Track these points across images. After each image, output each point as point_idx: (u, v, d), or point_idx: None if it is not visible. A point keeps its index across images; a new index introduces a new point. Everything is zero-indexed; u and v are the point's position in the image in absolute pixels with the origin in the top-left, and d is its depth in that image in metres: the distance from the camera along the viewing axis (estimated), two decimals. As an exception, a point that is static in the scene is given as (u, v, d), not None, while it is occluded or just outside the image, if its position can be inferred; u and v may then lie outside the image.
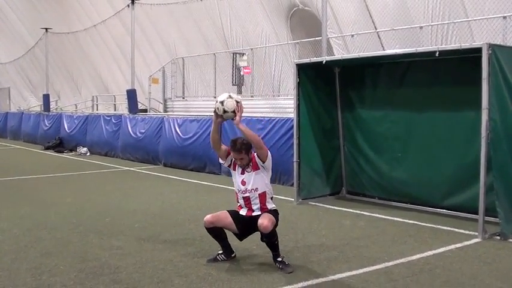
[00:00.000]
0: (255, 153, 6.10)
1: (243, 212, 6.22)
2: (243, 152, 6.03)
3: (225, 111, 5.99)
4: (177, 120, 15.53)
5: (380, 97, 9.50)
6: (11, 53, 35.84)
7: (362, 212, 9.02)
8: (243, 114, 6.16)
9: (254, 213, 6.13)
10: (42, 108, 26.38)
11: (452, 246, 6.85)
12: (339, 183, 10.42)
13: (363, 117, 9.80)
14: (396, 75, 9.18)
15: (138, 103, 21.28)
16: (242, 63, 18.16)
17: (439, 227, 7.94)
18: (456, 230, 7.73)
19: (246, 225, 6.16)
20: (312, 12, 17.70)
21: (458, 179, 8.41)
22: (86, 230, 8.00)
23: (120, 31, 25.51)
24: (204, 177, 13.38)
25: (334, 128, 10.24)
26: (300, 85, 9.73)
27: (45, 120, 23.70)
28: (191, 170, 14.64)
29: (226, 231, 6.34)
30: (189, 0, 20.00)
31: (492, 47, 7.01)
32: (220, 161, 6.40)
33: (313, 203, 9.84)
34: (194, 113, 17.10)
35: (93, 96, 27.60)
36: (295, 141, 9.82)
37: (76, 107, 29.03)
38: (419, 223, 8.19)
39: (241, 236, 6.32)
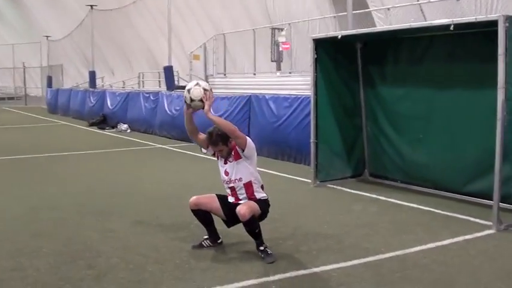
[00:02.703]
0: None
1: (230, 199, 5.90)
2: (220, 143, 5.70)
3: (192, 100, 5.65)
4: (209, 98, 15.21)
5: (401, 74, 8.87)
6: (65, 29, 36.22)
7: (378, 197, 8.47)
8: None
9: (241, 202, 5.77)
10: (88, 85, 26.64)
11: (461, 238, 6.25)
12: (361, 165, 9.87)
13: (384, 96, 9.20)
14: (417, 51, 8.50)
15: (181, 79, 21.14)
16: (281, 39, 17.68)
17: (454, 215, 7.30)
18: (472, 219, 7.07)
19: (234, 213, 5.77)
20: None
21: (481, 163, 7.67)
22: (87, 210, 7.83)
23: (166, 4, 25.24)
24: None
25: (356, 106, 9.67)
26: (318, 61, 9.22)
27: (91, 97, 23.88)
28: (221, 148, 14.31)
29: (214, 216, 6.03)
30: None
31: (510, 19, 6.32)
32: (203, 150, 6.06)
33: (331, 186, 9.35)
34: (234, 90, 16.76)
35: (139, 73, 27.62)
36: (312, 120, 9.33)
37: (124, 84, 29.15)
38: (435, 210, 7.56)
39: (229, 222, 5.98)
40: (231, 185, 5.82)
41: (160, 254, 5.88)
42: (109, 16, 29.05)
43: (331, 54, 9.36)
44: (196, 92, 5.62)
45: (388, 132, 9.23)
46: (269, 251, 5.64)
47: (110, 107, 21.62)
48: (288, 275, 5.19)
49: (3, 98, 45.53)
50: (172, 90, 18.24)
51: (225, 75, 20.70)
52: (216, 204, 5.93)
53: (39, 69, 42.81)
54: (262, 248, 5.66)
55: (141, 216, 7.55)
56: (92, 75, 26.16)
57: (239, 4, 22.10)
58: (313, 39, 9.21)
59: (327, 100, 9.39)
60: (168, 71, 18.80)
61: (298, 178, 10.07)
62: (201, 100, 5.62)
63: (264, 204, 5.83)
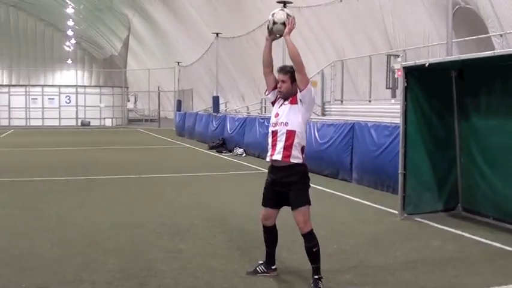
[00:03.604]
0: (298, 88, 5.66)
1: (267, 157, 5.86)
2: (288, 74, 5.67)
3: (274, 23, 5.67)
4: (316, 125, 15.22)
5: (495, 105, 8.36)
6: (199, 55, 37.86)
7: (462, 233, 7.98)
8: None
9: (275, 156, 5.70)
10: (212, 110, 27.64)
11: (530, 283, 5.78)
12: (454, 198, 9.37)
13: (478, 127, 8.72)
14: (511, 80, 8.01)
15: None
16: (396, 66, 17.32)
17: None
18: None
19: (274, 190, 5.88)
20: (474, 10, 16.30)
21: None
22: (167, 231, 8.11)
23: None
24: (334, 185, 12.86)
25: (449, 137, 9.24)
26: (408, 90, 8.95)
27: (214, 121, 24.78)
28: (326, 175, 14.19)
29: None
30: (335, 1, 19.42)
31: None
32: (266, 93, 6.08)
33: (419, 219, 8.93)
34: (349, 117, 16.62)
35: (261, 99, 28.21)
36: (400, 150, 9.05)
37: (248, 109, 29.88)
38: (520, 252, 7.04)
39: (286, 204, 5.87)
40: (275, 128, 5.74)
41: (214, 277, 5.97)
42: (237, 42, 29.97)
43: (423, 82, 9.04)
44: (280, 15, 5.67)
45: (481, 165, 8.71)
46: (320, 285, 5.50)
47: (229, 131, 22.28)
48: (327, 309, 5.07)
49: (140, 120, 48.45)
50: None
51: (341, 102, 20.64)
52: (270, 202, 5.99)
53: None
54: (316, 276, 5.55)
55: (217, 238, 7.70)
56: (216, 100, 27.14)
57: (360, 28, 21.93)
58: (403, 67, 8.97)
59: (417, 130, 9.07)
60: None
61: (388, 209, 9.76)
62: (283, 24, 5.65)
63: (301, 174, 5.75)
